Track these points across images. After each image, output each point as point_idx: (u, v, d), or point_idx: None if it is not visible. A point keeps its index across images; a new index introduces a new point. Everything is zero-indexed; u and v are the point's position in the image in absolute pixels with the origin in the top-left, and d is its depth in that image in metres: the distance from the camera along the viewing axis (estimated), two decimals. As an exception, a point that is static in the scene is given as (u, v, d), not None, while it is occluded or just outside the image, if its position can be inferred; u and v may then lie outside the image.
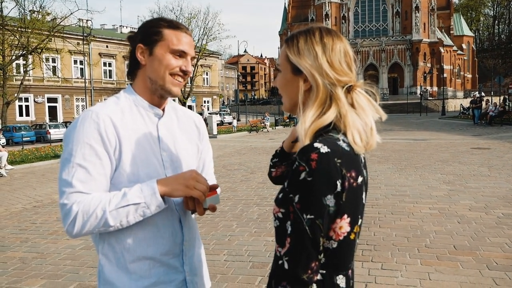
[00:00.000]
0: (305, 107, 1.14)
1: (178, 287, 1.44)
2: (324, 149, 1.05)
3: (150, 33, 1.41)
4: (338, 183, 1.06)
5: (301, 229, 1.05)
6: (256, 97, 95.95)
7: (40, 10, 21.83)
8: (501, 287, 3.66)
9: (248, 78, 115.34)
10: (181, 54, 1.41)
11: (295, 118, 32.47)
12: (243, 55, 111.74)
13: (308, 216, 1.04)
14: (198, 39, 37.05)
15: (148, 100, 1.45)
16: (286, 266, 1.06)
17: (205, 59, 43.22)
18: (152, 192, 1.30)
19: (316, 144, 1.06)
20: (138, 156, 1.37)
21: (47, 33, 20.90)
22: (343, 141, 1.10)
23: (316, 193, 1.04)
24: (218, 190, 1.50)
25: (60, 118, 38.56)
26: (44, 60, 24.06)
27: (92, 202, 1.27)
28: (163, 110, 1.49)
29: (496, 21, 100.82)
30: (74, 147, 1.31)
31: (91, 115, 1.34)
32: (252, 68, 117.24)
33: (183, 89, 34.74)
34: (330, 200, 1.05)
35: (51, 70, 30.00)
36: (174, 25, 1.42)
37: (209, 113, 31.98)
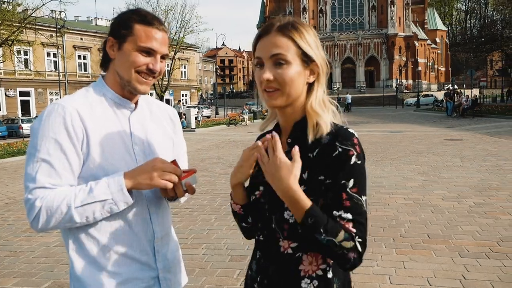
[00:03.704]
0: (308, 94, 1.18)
1: (150, 284, 1.41)
2: (356, 133, 1.13)
3: (121, 26, 1.36)
4: None
5: (363, 211, 1.09)
6: (234, 90, 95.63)
7: (11, 1, 21.12)
8: (472, 274, 3.78)
9: (227, 72, 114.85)
10: (150, 51, 1.35)
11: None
12: (221, 48, 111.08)
13: (364, 198, 1.10)
14: (176, 32, 36.52)
15: (119, 93, 1.42)
16: (360, 248, 1.05)
17: (183, 52, 42.67)
18: (119, 188, 1.27)
19: (350, 130, 1.13)
20: (107, 150, 1.34)
21: (18, 24, 20.24)
22: None
23: (364, 175, 1.12)
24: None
25: (33, 112, 37.57)
26: (15, 52, 23.33)
27: (56, 197, 1.24)
28: (136, 103, 1.46)
29: (468, 16, 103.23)
30: (39, 141, 1.28)
31: (57, 108, 1.31)
32: (231, 61, 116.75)
33: (160, 83, 34.32)
34: None
35: (23, 63, 29.09)
36: (147, 21, 1.36)
37: (187, 107, 31.65)
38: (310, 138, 1.14)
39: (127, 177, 1.29)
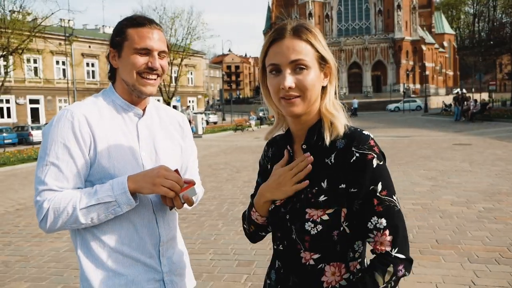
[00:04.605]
0: (323, 94, 1.17)
1: (155, 286, 1.44)
2: (371, 134, 1.12)
3: (116, 35, 1.41)
4: None
5: (396, 212, 1.07)
6: (241, 96, 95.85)
7: (21, 10, 21.43)
8: (482, 279, 3.75)
9: (233, 78, 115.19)
10: (146, 51, 1.38)
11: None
12: (227, 54, 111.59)
13: (396, 196, 1.09)
14: (182, 39, 36.79)
15: (127, 100, 1.45)
16: (402, 256, 1.05)
17: (189, 59, 42.91)
18: (123, 191, 1.31)
19: (365, 132, 1.11)
20: (114, 156, 1.37)
21: (28, 33, 20.54)
22: None
23: (389, 174, 1.10)
24: (199, 190, 1.50)
25: (43, 119, 37.92)
26: (25, 61, 23.68)
27: (63, 199, 1.30)
28: (144, 109, 1.49)
29: (476, 19, 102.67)
30: (48, 146, 1.33)
31: (67, 114, 1.36)
32: (237, 67, 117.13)
33: (167, 89, 34.51)
34: None
35: (33, 71, 29.50)
36: (137, 23, 1.40)
37: (194, 113, 31.75)
38: (327, 140, 1.11)
39: (130, 180, 1.32)
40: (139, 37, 1.37)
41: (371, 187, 1.06)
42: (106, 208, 1.31)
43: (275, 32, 1.13)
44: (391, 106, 50.77)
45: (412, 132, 20.66)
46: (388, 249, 1.05)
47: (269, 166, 1.29)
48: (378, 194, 1.06)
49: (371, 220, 1.07)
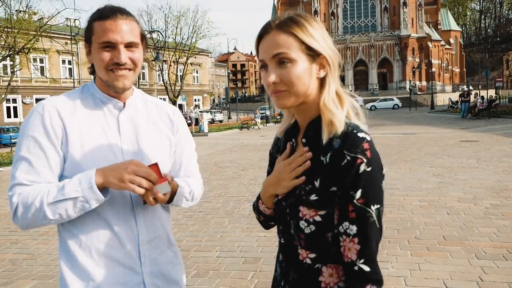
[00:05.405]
0: (321, 88, 1.13)
1: None
2: (368, 136, 1.06)
3: (86, 29, 1.35)
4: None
5: (370, 223, 1.03)
6: (247, 94, 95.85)
7: (27, 10, 21.58)
8: (489, 275, 3.72)
9: (239, 76, 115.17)
10: (110, 45, 1.30)
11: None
12: (233, 52, 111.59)
13: (376, 207, 1.04)
14: (188, 37, 36.90)
15: (106, 93, 1.40)
16: (366, 268, 1.02)
17: (195, 57, 43.03)
18: (89, 186, 1.23)
19: (360, 134, 1.05)
20: (88, 149, 1.32)
21: (34, 33, 20.67)
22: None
23: (377, 182, 1.05)
24: (196, 189, 1.45)
25: (49, 119, 38.13)
26: (31, 60, 23.83)
27: (31, 193, 1.24)
28: (125, 102, 1.43)
29: (483, 16, 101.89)
30: (21, 140, 1.31)
31: (38, 107, 1.33)
32: (242, 65, 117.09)
33: (172, 88, 34.58)
34: (383, 185, 1.07)
35: (39, 70, 29.70)
36: (102, 15, 1.31)
37: (200, 111, 31.83)
38: (325, 138, 1.08)
39: (98, 174, 1.25)
40: (102, 31, 1.29)
41: (350, 192, 1.04)
42: (74, 203, 1.23)
43: (262, 28, 1.12)
44: (367, 105, 51.31)
45: (419, 129, 20.55)
46: (354, 257, 1.04)
47: (277, 156, 1.28)
48: (354, 201, 1.03)
49: (343, 224, 1.05)
